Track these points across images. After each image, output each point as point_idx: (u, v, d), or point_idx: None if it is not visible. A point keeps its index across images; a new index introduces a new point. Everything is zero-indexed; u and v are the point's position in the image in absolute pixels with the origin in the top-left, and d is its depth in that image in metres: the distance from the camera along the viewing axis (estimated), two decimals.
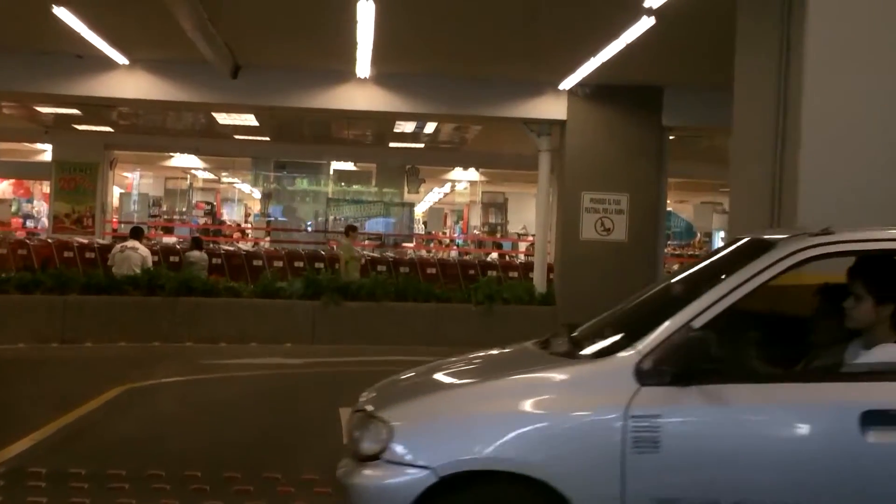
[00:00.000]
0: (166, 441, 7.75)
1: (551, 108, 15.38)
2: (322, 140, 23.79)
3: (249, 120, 20.06)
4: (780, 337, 4.79)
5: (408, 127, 20.19)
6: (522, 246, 27.79)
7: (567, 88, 14.99)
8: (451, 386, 4.48)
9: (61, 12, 11.32)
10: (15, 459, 6.85)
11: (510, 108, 15.59)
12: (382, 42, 12.26)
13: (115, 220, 25.89)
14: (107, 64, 14.44)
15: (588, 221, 15.29)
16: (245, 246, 24.32)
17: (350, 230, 18.36)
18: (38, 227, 28.21)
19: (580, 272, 14.93)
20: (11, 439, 7.29)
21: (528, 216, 28.78)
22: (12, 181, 31.25)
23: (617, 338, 4.29)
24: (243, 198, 37.00)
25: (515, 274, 20.47)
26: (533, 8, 11.12)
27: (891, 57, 7.09)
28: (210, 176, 32.78)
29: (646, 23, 10.47)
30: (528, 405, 4.02)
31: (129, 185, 32.15)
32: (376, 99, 15.28)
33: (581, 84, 14.69)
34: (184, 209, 30.49)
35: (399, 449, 3.97)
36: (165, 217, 29.96)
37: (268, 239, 27.13)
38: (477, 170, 28.72)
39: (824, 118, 7.03)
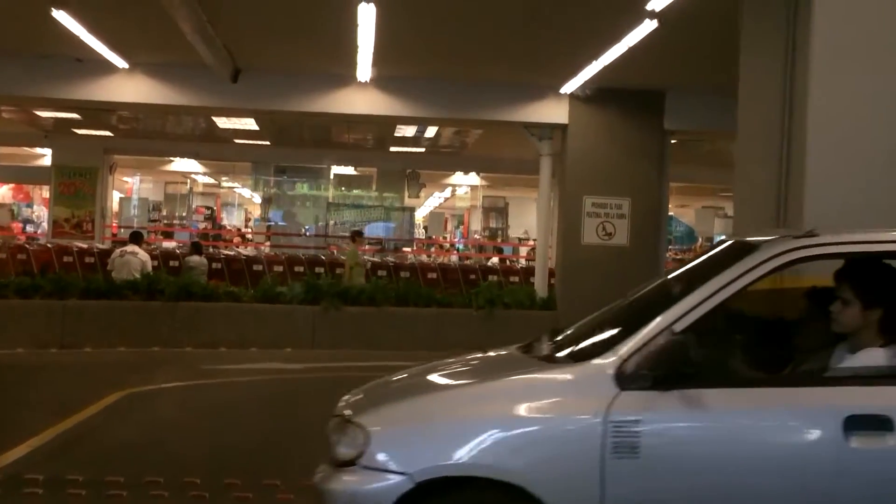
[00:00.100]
0: (165, 447, 7.71)
1: (552, 111, 15.33)
2: (322, 144, 23.76)
3: (249, 124, 20.01)
4: (766, 340, 4.74)
5: (408, 131, 20.14)
6: (523, 250, 27.75)
7: (568, 92, 14.93)
8: (429, 391, 4.41)
9: (61, 16, 11.26)
10: (12, 466, 6.79)
11: (511, 112, 15.53)
12: (383, 45, 12.20)
13: (114, 224, 25.85)
14: (106, 67, 14.40)
15: (589, 226, 15.24)
16: (245, 251, 24.25)
17: (356, 236, 18.26)
18: (38, 232, 28.16)
19: (582, 277, 14.87)
20: (8, 446, 7.22)
21: (529, 221, 28.72)
22: (12, 186, 31.23)
23: (598, 341, 4.23)
24: (243, 202, 36.97)
25: (516, 279, 20.42)
26: (534, 11, 11.06)
27: None
28: (210, 180, 32.76)
29: (648, 25, 10.42)
30: (506, 410, 3.96)
31: (128, 189, 32.13)
32: (377, 102, 15.22)
33: (583, 87, 14.63)
34: (184, 214, 30.46)
35: (375, 454, 3.93)
36: (165, 222, 29.92)
37: (268, 244, 27.08)
38: (478, 174, 28.68)
39: (830, 120, 6.97)
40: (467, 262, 24.80)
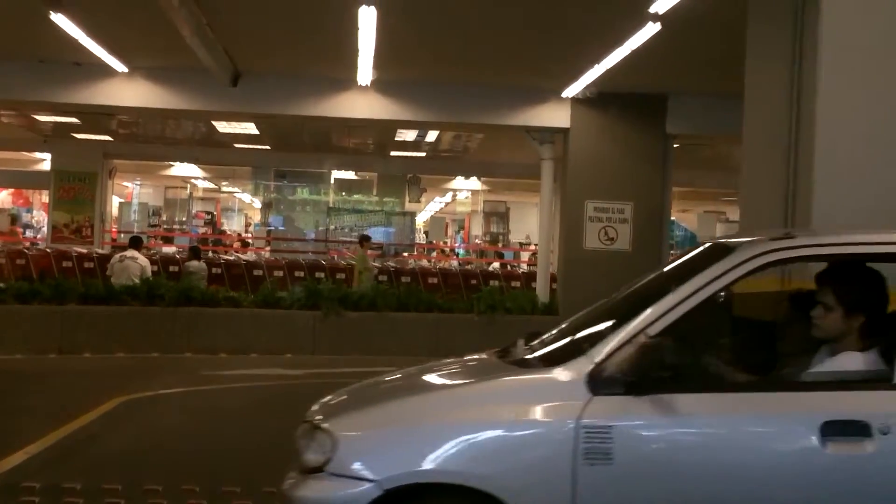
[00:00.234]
0: (164, 454, 7.63)
1: (554, 115, 15.27)
2: (323, 149, 23.71)
3: (249, 128, 19.97)
4: (747, 344, 4.67)
5: (409, 135, 20.09)
6: (525, 255, 27.68)
7: (570, 96, 14.87)
8: (399, 396, 4.31)
9: (59, 19, 11.19)
10: (8, 474, 6.69)
11: (512, 116, 15.48)
12: (384, 49, 12.14)
13: (114, 229, 25.79)
14: (105, 71, 14.34)
15: (591, 230, 15.17)
16: (245, 256, 24.20)
17: (364, 240, 18.12)
18: (38, 237, 28.10)
19: (583, 282, 14.74)
20: (5, 453, 7.13)
21: (530, 225, 28.68)
22: (11, 191, 31.17)
23: (572, 346, 4.16)
24: (244, 207, 36.92)
25: (518, 283, 20.33)
26: (535, 14, 11.00)
27: None
28: (210, 185, 32.70)
29: (651, 29, 10.35)
30: (476, 415, 3.89)
31: (128, 194, 32.10)
32: (377, 107, 15.16)
33: (584, 91, 14.57)
34: (183, 219, 30.40)
35: (343, 461, 3.86)
36: (165, 227, 29.86)
37: (268, 248, 27.03)
38: (479, 179, 28.65)
39: (838, 124, 6.90)
40: (468, 266, 24.73)
